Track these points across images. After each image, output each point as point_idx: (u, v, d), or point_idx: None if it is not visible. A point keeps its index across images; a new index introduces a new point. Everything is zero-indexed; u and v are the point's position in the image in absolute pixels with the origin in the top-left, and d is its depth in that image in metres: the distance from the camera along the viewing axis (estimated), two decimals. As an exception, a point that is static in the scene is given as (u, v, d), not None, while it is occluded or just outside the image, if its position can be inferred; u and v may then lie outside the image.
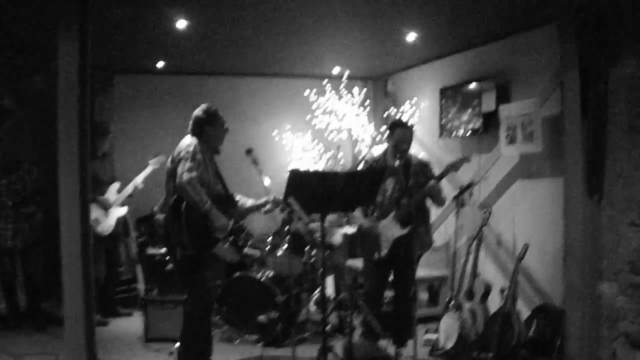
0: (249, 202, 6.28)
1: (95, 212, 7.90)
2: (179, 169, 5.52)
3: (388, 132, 6.66)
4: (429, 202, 6.65)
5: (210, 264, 5.98)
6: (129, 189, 8.37)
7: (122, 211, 8.43)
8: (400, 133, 6.48)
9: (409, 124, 6.73)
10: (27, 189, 7.88)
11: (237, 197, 6.24)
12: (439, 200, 6.55)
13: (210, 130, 5.93)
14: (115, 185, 8.43)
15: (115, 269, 8.53)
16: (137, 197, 8.61)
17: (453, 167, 6.39)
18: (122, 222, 8.54)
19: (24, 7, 6.33)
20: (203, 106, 6.02)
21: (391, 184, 6.48)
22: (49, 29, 5.63)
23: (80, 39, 5.27)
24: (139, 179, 8.39)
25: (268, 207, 6.27)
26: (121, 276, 8.84)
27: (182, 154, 5.65)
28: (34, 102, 8.73)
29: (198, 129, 5.91)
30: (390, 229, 6.41)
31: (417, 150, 8.41)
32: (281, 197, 6.01)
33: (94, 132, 8.26)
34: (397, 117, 9.71)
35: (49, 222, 7.29)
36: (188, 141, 5.80)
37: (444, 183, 6.63)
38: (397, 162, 6.29)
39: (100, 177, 8.20)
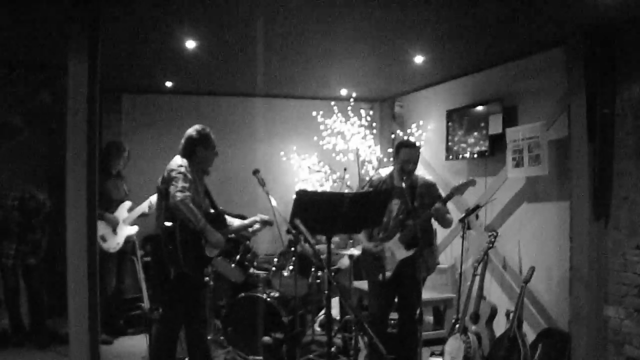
0: (235, 222, 6.31)
1: (102, 230, 7.92)
2: (171, 189, 5.53)
3: (394, 152, 6.67)
4: (434, 224, 6.64)
5: (203, 284, 6.02)
6: (144, 207, 8.39)
7: (132, 230, 8.43)
8: (406, 153, 6.49)
9: (415, 144, 6.72)
10: (35, 217, 7.92)
11: (228, 218, 6.27)
12: (444, 222, 6.53)
13: (201, 151, 5.95)
14: (127, 204, 8.43)
15: (120, 287, 8.53)
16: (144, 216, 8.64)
17: (458, 191, 6.39)
18: (131, 240, 8.54)
19: (34, 25, 6.37)
20: (197, 127, 6.04)
21: (397, 205, 6.48)
22: (58, 48, 5.68)
23: (90, 59, 5.32)
24: (154, 198, 8.41)
25: (256, 227, 6.31)
26: (126, 295, 8.82)
27: (173, 173, 5.65)
28: (41, 120, 8.76)
29: (190, 150, 5.93)
30: (395, 251, 6.41)
31: (423, 173, 8.41)
32: (272, 217, 6.08)
33: (109, 150, 8.30)
34: (404, 138, 9.73)
35: (56, 242, 7.32)
36: (179, 161, 5.80)
37: (449, 205, 6.63)
38: (403, 184, 6.29)
39: (113, 195, 8.23)
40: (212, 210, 6.07)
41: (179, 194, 5.48)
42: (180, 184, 5.55)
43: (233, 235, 6.58)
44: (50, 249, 8.07)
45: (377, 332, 5.69)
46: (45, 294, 8.12)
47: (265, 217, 6.33)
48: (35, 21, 6.20)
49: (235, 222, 6.32)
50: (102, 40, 5.55)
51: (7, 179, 8.14)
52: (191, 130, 6.00)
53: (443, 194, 6.55)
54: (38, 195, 7.99)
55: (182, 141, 5.99)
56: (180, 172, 5.64)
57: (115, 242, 8.20)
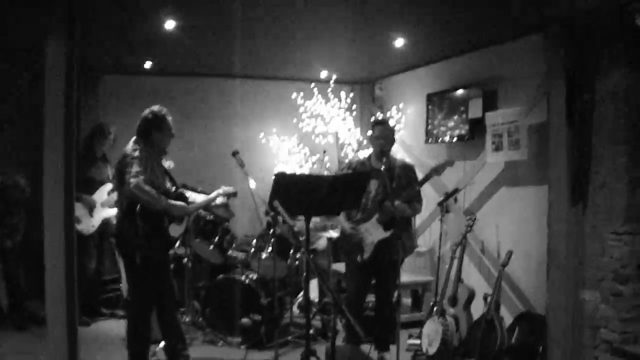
0: (198, 197, 6.29)
1: (77, 211, 7.88)
2: (126, 176, 5.52)
3: (370, 132, 6.69)
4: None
5: (168, 265, 6.03)
6: None
7: (110, 212, 8.37)
8: (379, 129, 6.51)
9: (389, 121, 6.73)
10: (12, 201, 7.89)
11: (188, 194, 6.25)
12: (408, 214, 6.57)
13: (157, 134, 5.92)
14: (107, 187, 8.37)
15: (99, 268, 8.50)
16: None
17: (436, 172, 6.42)
18: (107, 222, 8.50)
19: (11, 6, 6.30)
20: (153, 108, 6.01)
21: (375, 187, 6.48)
22: (36, 30, 5.62)
23: (67, 39, 5.27)
24: None
25: (219, 200, 6.30)
26: (104, 276, 8.79)
27: (127, 159, 5.64)
28: (20, 102, 8.69)
29: (145, 132, 5.91)
30: (373, 232, 6.42)
31: (403, 155, 8.44)
32: (235, 190, 6.06)
33: (93, 133, 8.25)
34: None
35: (33, 224, 7.29)
36: (133, 145, 5.78)
37: (429, 189, 6.65)
38: (382, 165, 6.30)
39: (95, 176, 8.19)
40: (172, 190, 6.05)
41: (132, 180, 5.48)
42: (134, 169, 5.53)
43: (200, 211, 6.56)
44: (28, 231, 8.03)
45: (355, 315, 5.72)
46: (23, 276, 8.10)
47: (229, 189, 6.31)
48: (12, 1, 6.13)
49: (198, 197, 6.30)
50: (80, 20, 5.49)
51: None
52: (146, 112, 5.98)
53: (421, 177, 6.57)
54: (19, 182, 7.95)
55: (138, 122, 5.96)
56: (133, 157, 5.63)
57: (90, 224, 8.16)
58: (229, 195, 6.34)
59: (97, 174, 8.26)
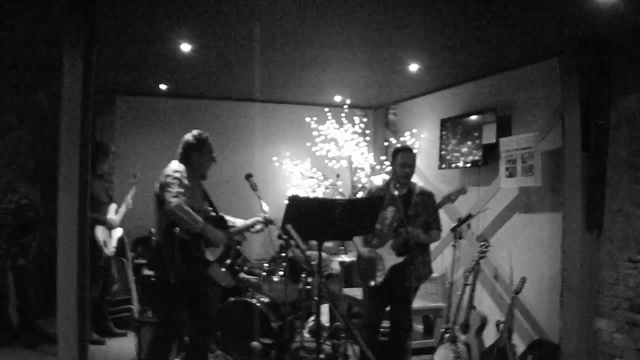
0: (237, 222, 6.27)
1: (103, 235, 7.92)
2: (167, 195, 5.49)
3: (391, 158, 6.67)
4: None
5: (205, 289, 5.94)
6: (123, 209, 8.39)
7: (120, 232, 8.42)
8: (403, 156, 6.48)
9: (411, 148, 6.72)
10: (29, 219, 7.92)
11: (227, 218, 6.23)
12: (427, 242, 6.54)
13: (197, 156, 5.90)
14: (114, 207, 8.40)
15: (109, 288, 8.49)
16: (136, 218, 8.62)
17: (449, 199, 6.40)
18: (120, 242, 8.53)
19: (30, 24, 6.35)
20: (194, 132, 6.00)
21: (391, 213, 6.46)
22: (54, 47, 5.65)
23: (84, 59, 5.29)
24: (129, 199, 8.49)
25: (258, 227, 6.27)
26: (116, 296, 8.78)
27: (168, 179, 5.61)
28: (36, 120, 8.74)
29: (186, 155, 5.90)
30: (387, 257, 6.40)
31: (416, 181, 8.41)
32: (273, 218, 6.03)
33: (95, 151, 8.26)
34: (398, 145, 9.73)
35: (46, 242, 7.30)
36: (175, 166, 5.75)
37: (442, 214, 6.62)
38: (396, 191, 6.27)
39: (99, 197, 8.18)
40: (213, 214, 6.04)
41: (173, 200, 5.45)
42: (175, 189, 5.51)
43: (238, 235, 6.54)
44: (41, 250, 8.05)
45: (369, 340, 5.70)
46: (35, 295, 8.10)
47: (268, 216, 6.28)
48: (31, 20, 6.17)
49: (237, 221, 6.29)
50: (98, 41, 5.52)
51: (1, 179, 8.11)
52: (188, 135, 5.96)
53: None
54: (34, 201, 7.98)
55: (180, 146, 5.95)
56: (175, 178, 5.60)
57: (112, 246, 8.20)
58: (267, 223, 6.31)
59: (101, 193, 8.26)
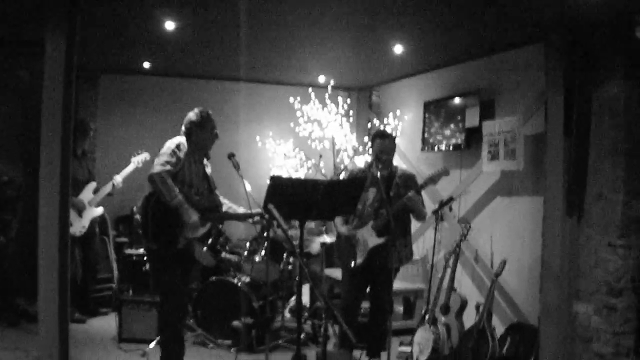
0: (240, 209, 6.24)
1: None
2: (154, 162, 5.52)
3: (370, 142, 6.67)
4: (411, 216, 6.64)
5: (177, 263, 5.86)
6: (108, 187, 8.30)
7: (98, 212, 8.36)
8: (379, 144, 6.48)
9: (390, 134, 6.71)
10: (8, 196, 7.87)
11: (227, 203, 6.22)
12: (418, 214, 6.53)
13: (198, 133, 5.87)
14: (92, 186, 8.35)
15: (91, 268, 8.47)
16: (117, 197, 8.59)
17: (431, 180, 6.39)
18: (97, 222, 8.47)
19: (12, 3, 6.29)
20: (196, 109, 5.96)
21: (373, 194, 6.47)
22: (37, 26, 5.61)
23: (67, 37, 5.27)
24: (118, 177, 8.33)
25: (256, 219, 6.26)
26: (97, 275, 8.76)
27: (162, 149, 5.64)
28: (18, 98, 8.66)
29: (187, 132, 5.88)
30: (367, 238, 6.42)
31: (398, 163, 8.42)
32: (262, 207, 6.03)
33: (74, 129, 8.20)
34: (380, 128, 9.73)
35: (27, 221, 7.26)
36: (175, 140, 5.77)
37: (424, 196, 6.63)
38: (378, 172, 6.28)
39: (77, 176, 8.11)
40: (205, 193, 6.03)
41: (157, 167, 5.47)
42: (163, 158, 5.54)
43: (221, 226, 6.52)
44: (22, 228, 8.01)
45: (348, 321, 5.71)
46: (16, 273, 8.08)
47: (257, 218, 6.26)
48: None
49: (240, 209, 6.26)
50: (81, 19, 5.48)
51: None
52: (191, 112, 5.94)
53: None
54: (15, 178, 7.94)
55: (183, 123, 5.95)
56: (168, 148, 5.64)
57: (80, 225, 8.12)
58: (266, 222, 6.29)
59: (79, 172, 8.18)
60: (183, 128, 5.91)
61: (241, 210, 6.22)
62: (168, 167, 5.52)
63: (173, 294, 5.81)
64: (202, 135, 5.90)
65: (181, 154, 5.66)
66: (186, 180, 5.72)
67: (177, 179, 5.63)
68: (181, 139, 5.80)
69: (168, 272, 5.80)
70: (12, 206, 7.94)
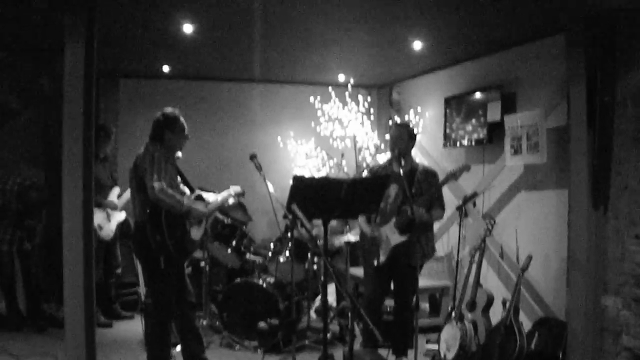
0: (211, 197, 6.25)
1: (97, 218, 7.88)
2: (147, 180, 5.47)
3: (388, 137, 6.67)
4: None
5: (184, 268, 6.02)
6: (129, 192, 8.33)
7: (121, 216, 8.41)
8: (390, 133, 6.49)
9: (402, 124, 6.69)
10: (33, 201, 7.93)
11: (204, 195, 6.25)
12: (428, 222, 6.54)
13: (168, 135, 5.87)
14: (116, 191, 8.39)
15: (112, 271, 8.49)
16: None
17: (453, 176, 6.37)
18: (120, 226, 8.50)
19: (32, 8, 6.32)
20: (165, 109, 5.97)
21: (394, 191, 6.45)
22: (57, 31, 5.63)
23: (86, 42, 5.29)
24: None
25: (231, 200, 6.27)
26: (120, 279, 8.79)
27: (144, 164, 5.59)
28: (39, 104, 8.72)
29: (158, 133, 5.88)
30: (390, 236, 6.40)
31: (420, 160, 8.40)
32: (242, 190, 6.04)
33: (97, 134, 8.20)
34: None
35: (52, 226, 7.30)
36: (150, 148, 5.71)
37: (447, 193, 6.62)
38: (400, 169, 6.27)
39: (102, 180, 8.16)
40: (188, 192, 6.05)
41: (156, 184, 5.44)
42: (155, 174, 5.50)
43: (218, 215, 6.52)
44: (47, 234, 8.06)
45: (373, 319, 5.68)
46: (42, 279, 8.13)
47: (237, 188, 6.28)
48: (33, 3, 6.14)
49: (211, 197, 6.27)
50: (100, 23, 5.50)
51: (5, 162, 8.12)
52: (158, 114, 5.94)
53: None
54: (38, 182, 7.99)
55: (151, 125, 5.94)
56: (151, 161, 5.58)
57: (109, 229, 8.17)
58: (238, 195, 6.31)
59: (103, 177, 8.23)
60: (151, 130, 5.91)
61: (213, 197, 6.23)
62: (163, 182, 5.51)
63: (169, 300, 5.91)
64: (171, 137, 5.90)
65: (162, 163, 5.63)
66: (173, 186, 5.75)
67: None
68: (153, 146, 5.75)
69: (179, 279, 5.96)
70: (37, 212, 8.00)
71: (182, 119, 5.98)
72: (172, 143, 5.92)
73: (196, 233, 5.85)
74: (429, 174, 6.59)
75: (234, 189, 6.28)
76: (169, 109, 5.97)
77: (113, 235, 8.26)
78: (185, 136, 6.02)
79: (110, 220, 8.20)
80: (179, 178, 6.06)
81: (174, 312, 5.97)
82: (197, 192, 6.21)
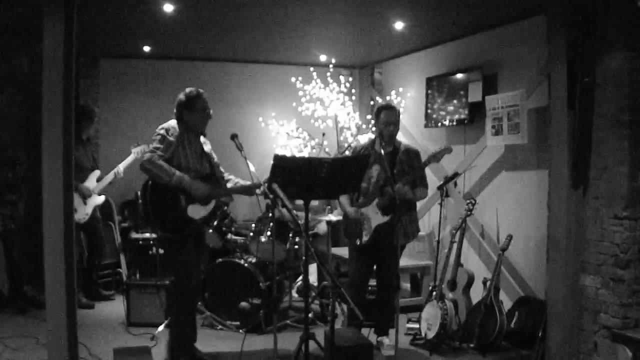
0: (240, 182, 6.25)
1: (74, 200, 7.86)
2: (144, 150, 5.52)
3: (374, 116, 6.66)
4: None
5: (189, 246, 5.91)
6: (110, 176, 8.30)
7: (100, 200, 8.36)
8: (386, 114, 6.47)
9: (394, 106, 6.69)
10: (12, 176, 7.89)
11: (233, 179, 6.27)
12: (412, 200, 6.55)
13: (187, 114, 5.90)
14: (96, 174, 8.33)
15: (97, 253, 8.47)
16: (121, 182, 8.56)
17: (434, 158, 6.37)
18: (98, 209, 8.45)
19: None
20: (186, 90, 5.99)
21: (377, 171, 6.46)
22: (35, 11, 5.58)
23: (65, 22, 5.22)
24: (120, 167, 8.33)
25: (258, 191, 6.24)
26: (102, 260, 8.76)
27: (153, 136, 5.70)
28: (18, 85, 8.63)
29: (178, 113, 5.92)
30: (372, 216, 6.41)
31: (402, 139, 8.41)
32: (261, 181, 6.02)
33: (80, 116, 8.15)
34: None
35: (33, 208, 7.27)
36: (165, 124, 5.82)
37: (428, 172, 6.63)
38: (382, 150, 6.28)
39: (83, 163, 8.10)
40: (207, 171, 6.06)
41: (146, 155, 5.54)
42: (152, 145, 5.60)
43: (227, 207, 6.52)
44: (28, 215, 8.03)
45: (355, 298, 5.71)
46: (23, 261, 8.10)
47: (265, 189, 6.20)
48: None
49: (240, 181, 6.29)
50: (79, 2, 5.45)
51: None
52: (180, 94, 5.96)
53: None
54: (19, 156, 7.98)
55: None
56: (158, 134, 5.69)
57: (84, 212, 8.11)
58: (264, 195, 6.26)
59: (84, 159, 8.18)
60: (175, 109, 5.93)
61: (241, 183, 6.23)
62: (158, 153, 5.57)
63: (188, 277, 5.86)
64: (191, 116, 5.92)
65: (172, 138, 5.69)
66: (182, 164, 5.75)
67: (171, 164, 5.64)
68: (171, 123, 5.84)
69: (182, 255, 5.85)
70: (18, 186, 7.97)
71: (202, 98, 5.98)
72: (191, 122, 5.93)
73: (197, 211, 5.82)
74: (412, 153, 6.59)
75: (257, 182, 6.16)
76: (189, 89, 5.99)
77: (90, 218, 8.21)
78: (206, 115, 6.03)
79: (86, 204, 8.15)
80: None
81: (193, 287, 5.96)
82: (226, 176, 6.24)
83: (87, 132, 8.36)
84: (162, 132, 5.70)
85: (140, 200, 5.76)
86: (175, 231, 5.76)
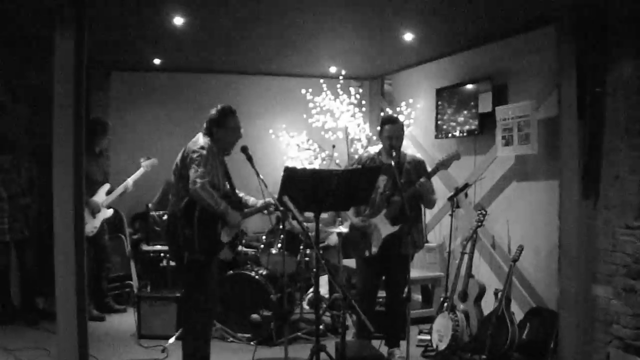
0: (251, 199, 6.23)
1: None
2: (191, 174, 5.40)
3: (379, 129, 6.65)
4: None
5: (213, 267, 5.89)
6: (120, 189, 8.30)
7: (108, 213, 8.35)
8: (389, 129, 6.46)
9: (398, 118, 6.69)
10: (22, 179, 7.93)
11: (247, 198, 6.25)
12: (428, 201, 6.51)
13: (218, 131, 5.77)
14: (106, 187, 8.31)
15: (104, 266, 8.46)
16: (132, 194, 8.57)
17: (443, 165, 6.37)
18: (107, 222, 8.45)
19: (20, 1, 6.29)
20: (218, 106, 5.87)
21: (384, 182, 6.45)
22: (46, 24, 5.61)
23: (76, 35, 5.27)
24: (130, 181, 8.33)
25: (271, 209, 6.22)
26: (111, 273, 8.74)
27: (194, 155, 5.52)
28: (29, 97, 8.67)
29: (209, 129, 5.79)
30: (381, 227, 6.40)
31: (413, 151, 8.40)
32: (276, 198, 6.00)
33: (93, 128, 8.17)
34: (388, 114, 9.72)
35: (45, 215, 7.29)
36: (201, 142, 5.65)
37: (439, 184, 6.62)
38: (391, 160, 6.27)
39: (94, 176, 8.10)
40: (230, 194, 5.98)
41: (198, 181, 5.37)
42: (200, 169, 5.42)
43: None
44: (39, 223, 8.06)
45: (365, 310, 5.69)
46: (36, 273, 8.12)
47: (270, 200, 6.15)
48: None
49: (250, 200, 6.25)
50: (90, 16, 5.48)
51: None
52: (212, 109, 5.84)
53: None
54: (25, 164, 8.05)
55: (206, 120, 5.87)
56: (200, 155, 5.51)
57: (92, 226, 8.10)
58: (277, 209, 6.22)
59: (96, 173, 8.17)
60: (205, 125, 5.82)
61: (252, 200, 6.21)
62: (207, 179, 5.43)
63: (213, 296, 5.89)
64: (222, 134, 5.81)
65: (210, 158, 5.57)
66: (215, 184, 5.65)
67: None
68: (205, 141, 5.69)
69: (208, 275, 5.81)
70: (29, 189, 8.03)
71: (235, 116, 5.89)
72: (221, 140, 5.82)
73: (225, 236, 5.79)
74: (417, 163, 6.59)
75: (268, 201, 6.15)
76: (223, 105, 5.88)
77: (97, 231, 8.21)
78: (237, 134, 5.93)
79: (94, 217, 8.16)
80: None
81: (209, 308, 5.90)
82: (240, 194, 6.18)
83: (100, 145, 8.36)
84: (204, 152, 5.53)
85: (174, 219, 5.66)
86: (209, 254, 5.71)
